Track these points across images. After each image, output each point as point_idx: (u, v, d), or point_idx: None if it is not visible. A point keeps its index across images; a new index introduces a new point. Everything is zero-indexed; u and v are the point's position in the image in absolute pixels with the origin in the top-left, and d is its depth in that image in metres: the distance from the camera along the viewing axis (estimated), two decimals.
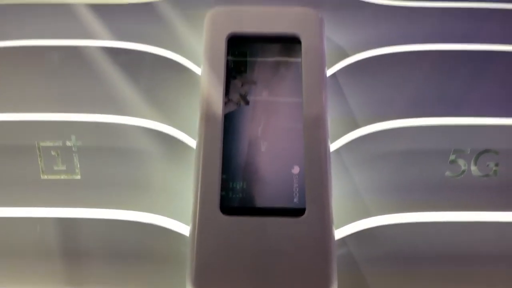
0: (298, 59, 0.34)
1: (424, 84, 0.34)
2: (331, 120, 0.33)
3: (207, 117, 0.31)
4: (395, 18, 0.37)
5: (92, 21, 0.38)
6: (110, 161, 0.32)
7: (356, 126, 0.34)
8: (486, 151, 0.31)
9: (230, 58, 0.34)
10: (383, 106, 0.34)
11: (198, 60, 0.35)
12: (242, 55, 0.35)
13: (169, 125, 0.33)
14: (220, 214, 0.28)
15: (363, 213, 0.31)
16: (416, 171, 0.32)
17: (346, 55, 0.36)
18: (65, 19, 0.37)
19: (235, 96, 0.33)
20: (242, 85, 0.34)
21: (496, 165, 0.31)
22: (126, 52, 0.35)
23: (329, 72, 0.35)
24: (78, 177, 0.32)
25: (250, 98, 0.33)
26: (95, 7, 0.38)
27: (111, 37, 0.37)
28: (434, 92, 0.34)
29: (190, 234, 0.28)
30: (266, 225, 0.28)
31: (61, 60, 0.35)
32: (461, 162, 0.31)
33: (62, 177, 0.32)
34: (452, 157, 0.31)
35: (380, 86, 0.35)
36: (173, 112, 0.34)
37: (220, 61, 0.34)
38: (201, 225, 0.28)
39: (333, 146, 0.32)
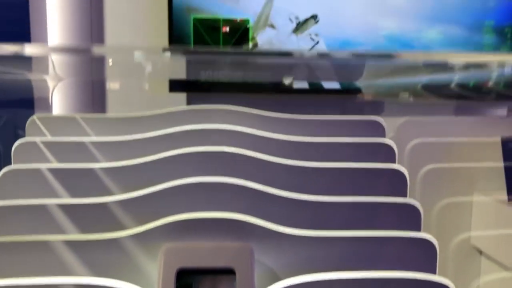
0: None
1: None
2: None
3: None
4: (312, 246, 0.46)
5: (64, 254, 0.45)
6: None
7: None
8: None
9: None
10: None
11: None
12: (188, 285, 0.43)
13: None
14: None
15: None
16: None
17: (276, 278, 0.45)
18: (41, 254, 0.45)
19: None
20: None
21: None
22: None
23: None
24: None
25: None
26: (68, 243, 0.46)
27: (81, 267, 0.45)
28: None
29: None
30: None
31: None
32: None
33: None
34: None
35: None
36: None
37: None
38: None
39: None
